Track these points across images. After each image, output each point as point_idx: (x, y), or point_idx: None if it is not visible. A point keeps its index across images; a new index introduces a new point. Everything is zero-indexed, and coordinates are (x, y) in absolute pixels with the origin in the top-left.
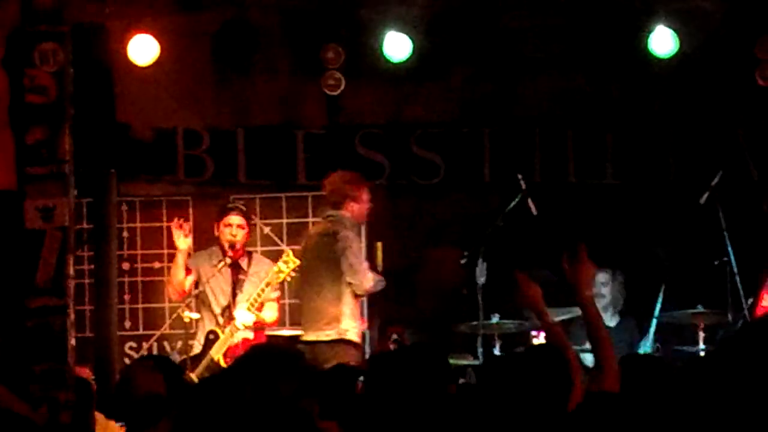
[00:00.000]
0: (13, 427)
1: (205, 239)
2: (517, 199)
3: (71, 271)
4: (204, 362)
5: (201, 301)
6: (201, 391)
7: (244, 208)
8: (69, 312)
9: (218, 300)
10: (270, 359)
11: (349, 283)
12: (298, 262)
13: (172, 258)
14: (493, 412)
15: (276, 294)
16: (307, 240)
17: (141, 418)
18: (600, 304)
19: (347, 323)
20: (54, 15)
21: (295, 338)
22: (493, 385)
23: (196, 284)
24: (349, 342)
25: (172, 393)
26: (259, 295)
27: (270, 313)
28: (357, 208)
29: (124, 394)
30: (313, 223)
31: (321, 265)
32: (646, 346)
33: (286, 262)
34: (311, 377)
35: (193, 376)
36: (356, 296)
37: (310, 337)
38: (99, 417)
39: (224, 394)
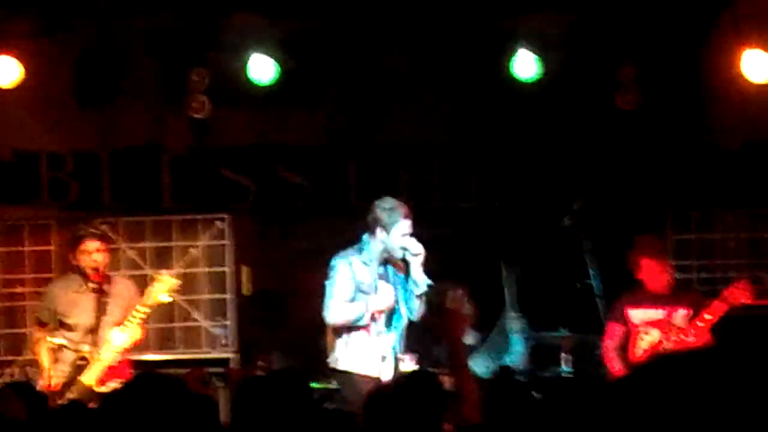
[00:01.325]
0: None
1: (68, 263)
2: None
3: None
4: (75, 388)
5: (63, 328)
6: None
7: (98, 231)
8: None
9: (82, 325)
10: (156, 387)
11: None
12: (177, 282)
13: (34, 283)
14: None
15: (143, 315)
16: None
17: None
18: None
19: (336, 353)
20: None
21: (161, 363)
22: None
23: (56, 311)
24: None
25: (33, 420)
26: (133, 316)
27: (136, 331)
28: (386, 238)
29: None
30: (176, 246)
31: None
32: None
33: (163, 282)
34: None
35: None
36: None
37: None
38: None
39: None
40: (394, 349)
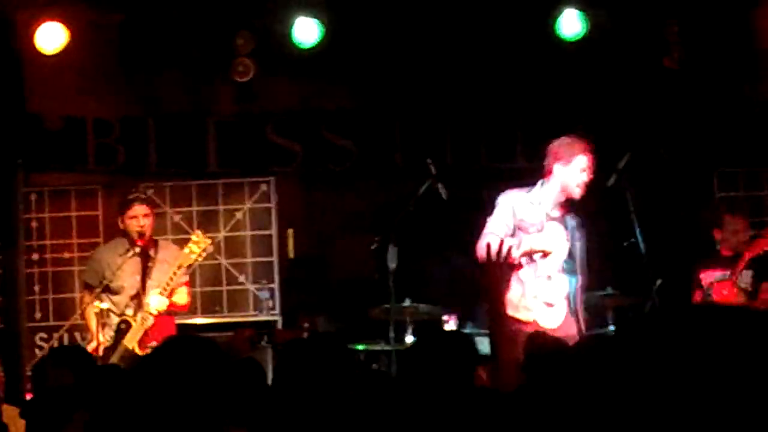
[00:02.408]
0: None
1: (115, 229)
2: (426, 184)
3: None
4: (118, 352)
5: (109, 292)
6: (118, 382)
7: (145, 196)
8: None
9: (127, 289)
10: (189, 350)
11: None
12: (209, 242)
13: (81, 248)
14: (405, 398)
15: (185, 278)
16: None
17: (49, 412)
18: None
19: None
20: None
21: (208, 326)
22: (406, 373)
23: (104, 276)
24: None
25: (82, 384)
26: (171, 279)
27: (181, 296)
28: (564, 172)
29: (34, 390)
30: (221, 210)
31: None
32: None
33: (196, 243)
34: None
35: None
36: None
37: None
38: (8, 410)
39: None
40: (571, 296)
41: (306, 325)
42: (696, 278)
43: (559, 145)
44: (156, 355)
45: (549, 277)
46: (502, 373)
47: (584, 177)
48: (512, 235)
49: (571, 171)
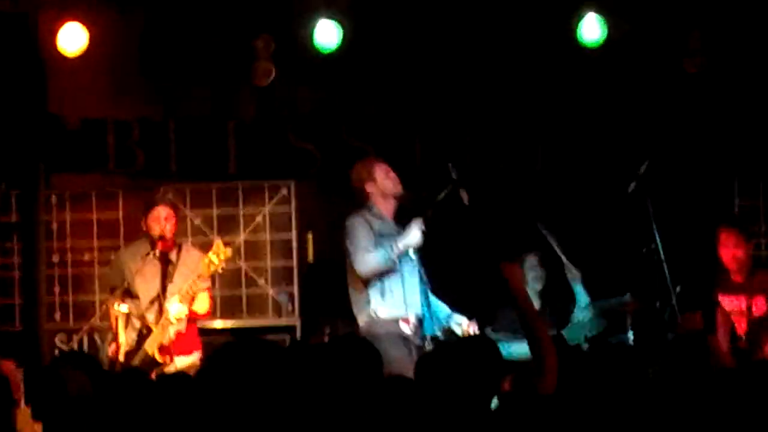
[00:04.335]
0: None
1: (136, 231)
2: (447, 189)
3: None
4: (138, 356)
5: (129, 295)
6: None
7: (170, 199)
8: None
9: (147, 292)
10: (252, 355)
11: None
12: (229, 253)
13: (102, 250)
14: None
15: (206, 284)
16: None
17: (69, 418)
18: (538, 286)
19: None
20: None
21: (227, 330)
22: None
23: (124, 278)
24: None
25: (100, 389)
26: (191, 287)
27: (201, 304)
28: (376, 187)
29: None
30: (242, 213)
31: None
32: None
33: (216, 253)
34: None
35: None
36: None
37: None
38: (26, 412)
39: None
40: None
41: (327, 330)
42: (716, 300)
43: (358, 172)
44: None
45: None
46: (549, 376)
47: (392, 178)
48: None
49: (380, 183)
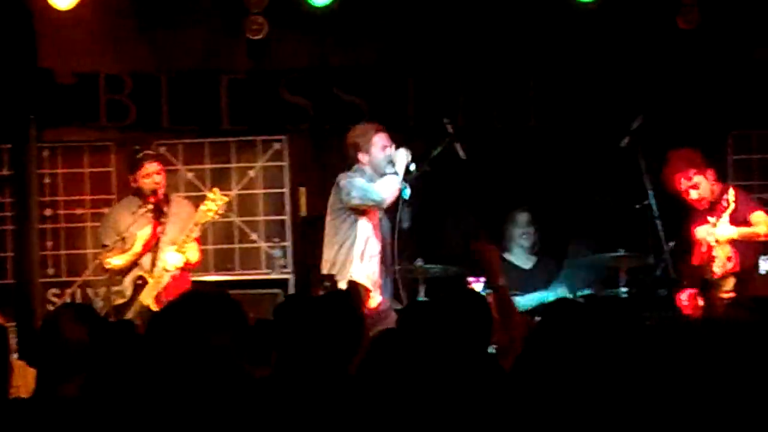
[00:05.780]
0: None
1: (128, 185)
2: (443, 144)
3: None
4: (134, 308)
5: (123, 248)
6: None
7: (156, 153)
8: None
9: (141, 245)
10: (203, 306)
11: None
12: (226, 199)
13: (94, 204)
14: (413, 357)
15: (195, 234)
16: None
17: (64, 366)
18: (526, 243)
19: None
20: None
21: (221, 284)
22: (414, 330)
23: (118, 234)
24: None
25: (96, 342)
26: (187, 236)
27: (193, 253)
28: (368, 159)
29: (47, 342)
30: (234, 168)
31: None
32: (559, 289)
33: (213, 200)
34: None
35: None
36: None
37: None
38: (19, 364)
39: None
40: None
41: (326, 284)
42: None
43: (356, 136)
44: (170, 311)
45: None
46: (513, 353)
47: (389, 152)
48: None
49: (373, 157)
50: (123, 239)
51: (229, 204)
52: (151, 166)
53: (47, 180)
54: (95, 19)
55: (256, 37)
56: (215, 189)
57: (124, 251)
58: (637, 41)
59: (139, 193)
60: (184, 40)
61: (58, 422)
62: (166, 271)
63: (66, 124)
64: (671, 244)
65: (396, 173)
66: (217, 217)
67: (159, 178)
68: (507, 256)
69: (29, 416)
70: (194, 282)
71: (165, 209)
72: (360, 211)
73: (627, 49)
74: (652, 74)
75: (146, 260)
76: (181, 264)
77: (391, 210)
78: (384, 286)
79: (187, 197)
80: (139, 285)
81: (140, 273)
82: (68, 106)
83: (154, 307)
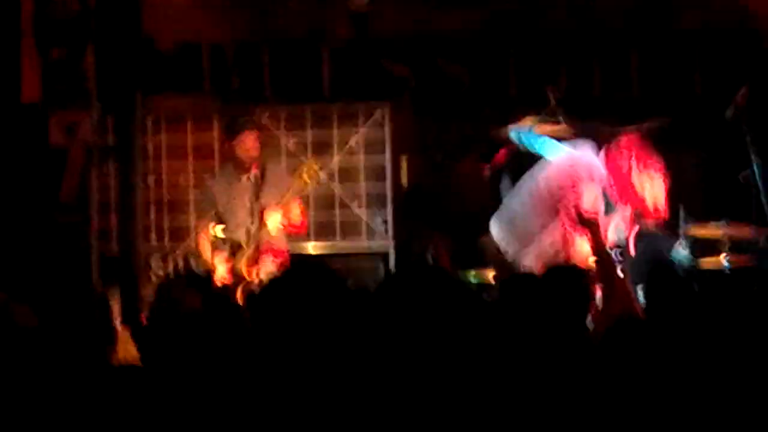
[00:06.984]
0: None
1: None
2: (545, 112)
3: (95, 187)
4: (233, 275)
5: (222, 218)
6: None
7: (253, 121)
8: (92, 227)
9: (240, 213)
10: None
11: None
12: (322, 176)
13: (197, 172)
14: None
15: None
16: None
17: (177, 334)
18: None
19: None
20: None
21: (320, 255)
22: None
23: (216, 204)
24: None
25: (210, 311)
26: (287, 197)
27: (294, 212)
28: None
29: (161, 310)
30: (336, 136)
31: None
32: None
33: (309, 174)
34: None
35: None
36: None
37: None
38: (123, 332)
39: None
40: None
41: (432, 252)
42: None
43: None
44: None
45: None
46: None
47: None
48: None
49: None
50: (222, 209)
51: (330, 173)
52: (249, 136)
53: (150, 148)
54: None
55: (358, 7)
56: (312, 161)
57: (223, 222)
58: (742, 11)
59: (236, 161)
60: (287, 9)
61: (168, 391)
62: (269, 233)
63: (169, 93)
64: None
65: None
66: (312, 186)
67: (255, 147)
68: None
69: (138, 384)
70: (293, 255)
71: (261, 177)
72: None
73: (732, 19)
74: (755, 43)
75: (242, 231)
76: (282, 223)
77: None
78: None
79: (288, 165)
80: (234, 251)
81: (238, 241)
82: (171, 75)
83: (245, 274)
